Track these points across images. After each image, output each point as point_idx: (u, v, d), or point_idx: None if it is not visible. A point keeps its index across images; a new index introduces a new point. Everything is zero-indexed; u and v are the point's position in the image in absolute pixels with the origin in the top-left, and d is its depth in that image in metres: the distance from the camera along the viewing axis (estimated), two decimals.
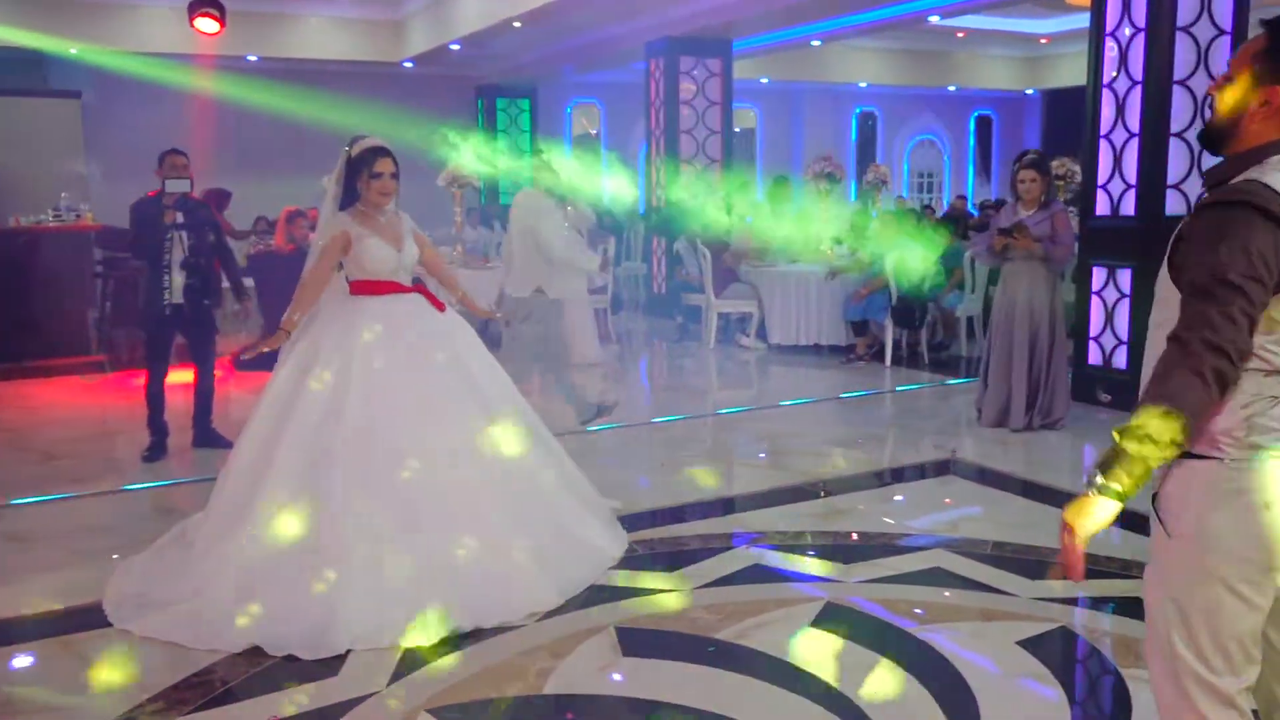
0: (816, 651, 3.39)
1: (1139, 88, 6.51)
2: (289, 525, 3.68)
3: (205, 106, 13.03)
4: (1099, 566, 4.07)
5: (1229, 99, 1.92)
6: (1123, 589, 3.81)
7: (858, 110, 18.86)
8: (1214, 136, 1.97)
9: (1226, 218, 1.82)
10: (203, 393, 5.95)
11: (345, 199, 4.07)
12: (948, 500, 5.15)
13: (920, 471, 5.64)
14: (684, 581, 4.00)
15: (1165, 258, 1.95)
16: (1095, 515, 1.85)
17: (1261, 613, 1.89)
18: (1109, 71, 6.68)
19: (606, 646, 3.45)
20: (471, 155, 9.32)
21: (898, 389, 7.86)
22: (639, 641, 3.49)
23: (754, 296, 9.50)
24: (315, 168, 12.05)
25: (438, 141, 9.73)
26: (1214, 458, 1.87)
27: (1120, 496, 1.83)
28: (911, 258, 7.78)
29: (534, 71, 14.81)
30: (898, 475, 5.59)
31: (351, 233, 3.99)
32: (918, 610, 3.68)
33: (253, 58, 13.00)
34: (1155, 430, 1.78)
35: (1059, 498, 5.25)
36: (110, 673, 3.32)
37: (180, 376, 6.09)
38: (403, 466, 3.78)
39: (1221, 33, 6.51)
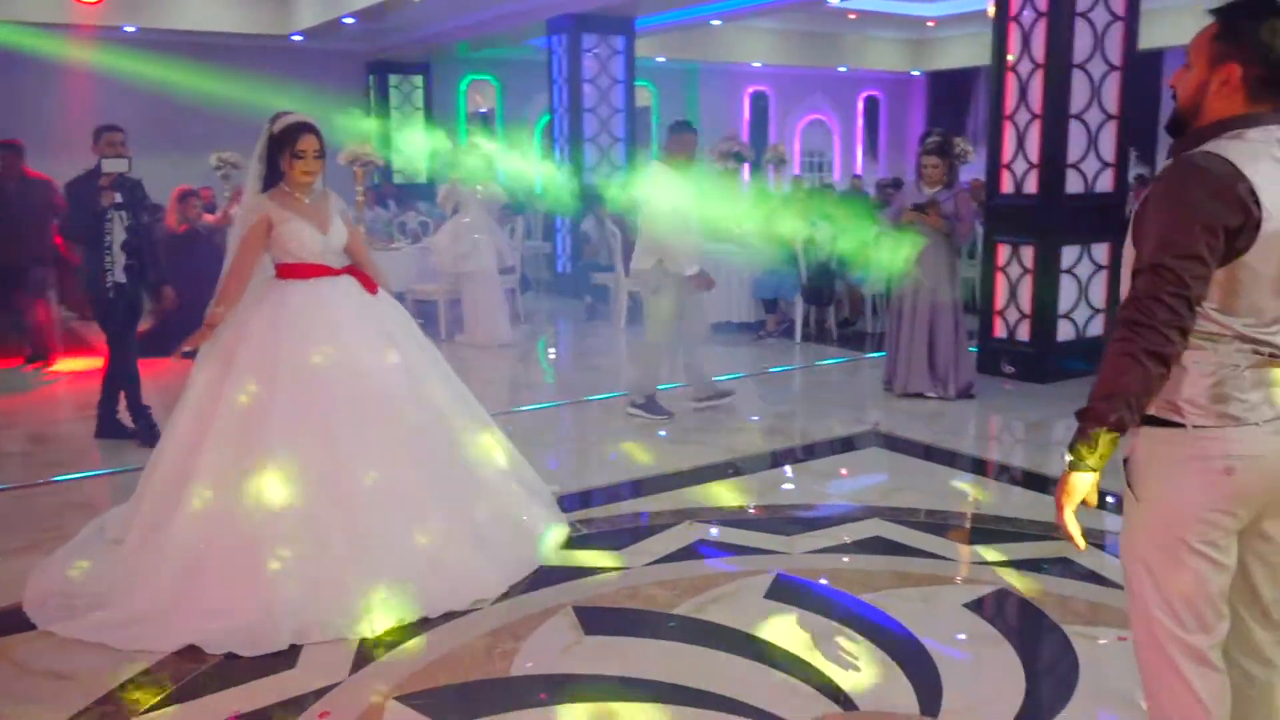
0: (774, 622, 3.45)
1: (1040, 70, 6.76)
2: (221, 522, 3.53)
3: (80, 79, 12.36)
4: (1024, 530, 4.26)
5: (1191, 84, 2.04)
6: (1054, 550, 3.99)
7: (750, 89, 19.07)
8: (1181, 121, 2.07)
9: (1177, 184, 1.92)
10: (111, 379, 5.68)
11: (269, 179, 3.89)
12: (875, 470, 5.29)
13: (844, 444, 5.77)
14: (633, 559, 4.02)
15: (1129, 230, 2.05)
16: (1074, 489, 1.97)
17: (1227, 571, 2.01)
18: (1012, 55, 6.92)
19: (567, 626, 3.45)
20: (377, 134, 9.11)
21: (815, 363, 8.03)
22: (599, 620, 3.49)
23: None
24: (200, 145, 11.63)
25: (338, 119, 9.46)
26: (1178, 424, 1.97)
27: (1090, 468, 1.95)
28: (849, 235, 7.92)
29: (428, 48, 14.50)
30: (824, 448, 5.71)
31: (273, 216, 3.83)
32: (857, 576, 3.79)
33: (130, 28, 12.36)
34: (1101, 411, 1.91)
35: (976, 465, 5.47)
36: (42, 679, 3.15)
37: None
38: (339, 458, 3.65)
39: (1116, 18, 6.81)
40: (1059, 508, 2.00)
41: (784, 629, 3.40)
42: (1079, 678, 3.07)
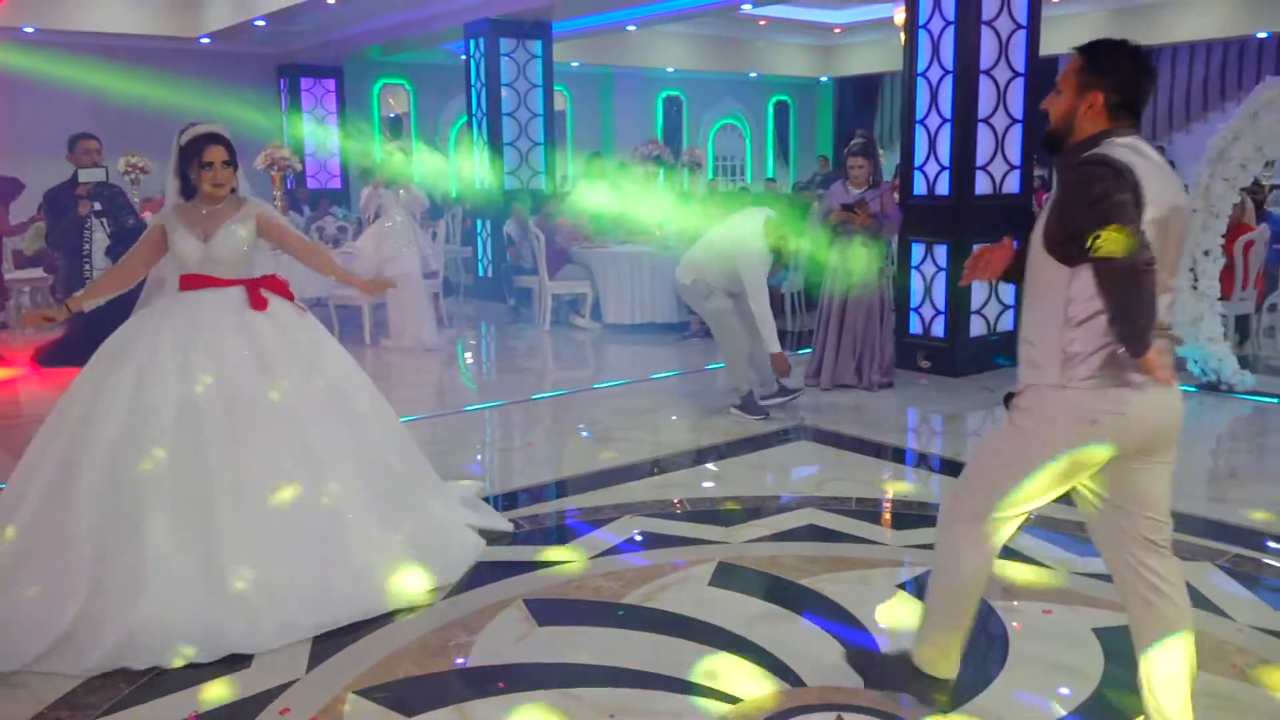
0: (721, 607, 3.58)
1: (950, 76, 7.05)
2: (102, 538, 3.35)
3: None
4: None
5: (1061, 108, 2.50)
6: None
7: (663, 94, 19.30)
8: (1055, 137, 2.52)
9: (1088, 175, 2.31)
10: None
11: (185, 191, 3.82)
12: (803, 462, 5.47)
13: (774, 437, 5.93)
14: (577, 552, 4.11)
15: (1039, 231, 2.45)
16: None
17: (1052, 495, 2.58)
18: (922, 61, 7.20)
19: (519, 618, 3.52)
20: (291, 138, 9.02)
21: None
22: (550, 611, 3.57)
23: (587, 277, 9.65)
24: (107, 150, 11.35)
25: (252, 121, 9.34)
26: (1062, 385, 2.44)
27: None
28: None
29: (339, 50, 14.36)
30: (755, 443, 5.86)
31: (168, 226, 3.77)
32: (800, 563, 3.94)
33: (29, 29, 11.98)
34: (1148, 341, 2.28)
35: (899, 454, 5.70)
36: None
37: None
38: (236, 476, 3.49)
39: (1019, 27, 7.14)
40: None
41: (730, 613, 3.53)
42: (1009, 649, 3.27)
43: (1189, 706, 2.52)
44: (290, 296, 3.97)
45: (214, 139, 3.76)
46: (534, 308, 10.10)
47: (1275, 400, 6.56)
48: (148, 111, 11.04)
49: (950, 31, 7.01)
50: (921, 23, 7.18)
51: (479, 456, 5.71)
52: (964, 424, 6.26)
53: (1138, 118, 2.46)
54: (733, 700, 2.96)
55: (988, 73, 7.06)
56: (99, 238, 5.22)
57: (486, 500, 4.62)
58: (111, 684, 3.08)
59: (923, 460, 5.68)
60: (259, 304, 3.81)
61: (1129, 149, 2.35)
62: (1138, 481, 2.51)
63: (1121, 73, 2.43)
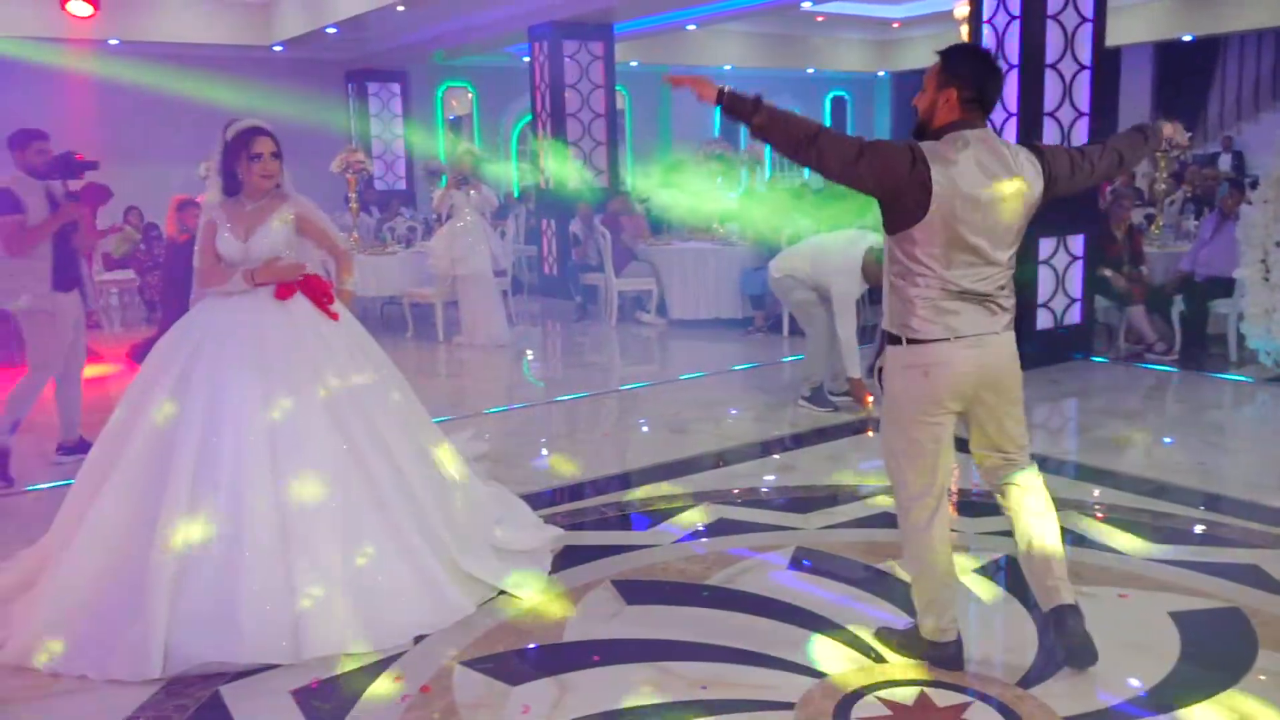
0: (801, 589, 3.72)
1: (1015, 70, 7.09)
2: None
3: (70, 91, 12.46)
4: None
5: (926, 102, 2.97)
6: None
7: None
8: (922, 127, 2.98)
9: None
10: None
11: (228, 186, 3.80)
12: (873, 454, 5.57)
13: (844, 428, 6.04)
14: (659, 537, 4.28)
15: None
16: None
17: (936, 446, 2.99)
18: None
19: (608, 598, 3.70)
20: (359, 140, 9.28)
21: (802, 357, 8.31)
22: (638, 591, 3.74)
23: (652, 274, 9.82)
24: (185, 155, 11.75)
25: (319, 124, 9.57)
26: (901, 341, 2.95)
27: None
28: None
29: (405, 55, 14.69)
30: (821, 434, 5.98)
31: (216, 221, 3.80)
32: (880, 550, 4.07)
33: (114, 41, 12.46)
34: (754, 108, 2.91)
35: (964, 445, 5.76)
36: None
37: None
38: (258, 484, 3.47)
39: (1085, 20, 7.17)
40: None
41: (811, 595, 3.67)
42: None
43: (1061, 564, 3.09)
44: (330, 298, 3.89)
45: (261, 131, 3.78)
46: (599, 304, 10.30)
47: None
48: (223, 119, 11.43)
49: (1015, 26, 7.05)
50: (986, 17, 7.23)
51: (562, 445, 5.89)
52: (1030, 416, 6.31)
53: (988, 111, 2.95)
54: (819, 674, 3.11)
55: (1053, 66, 7.09)
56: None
57: (558, 496, 4.78)
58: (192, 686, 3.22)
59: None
60: (284, 293, 3.78)
61: (978, 140, 2.87)
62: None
63: (972, 73, 2.90)
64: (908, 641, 3.21)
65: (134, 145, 13.25)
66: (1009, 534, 4.14)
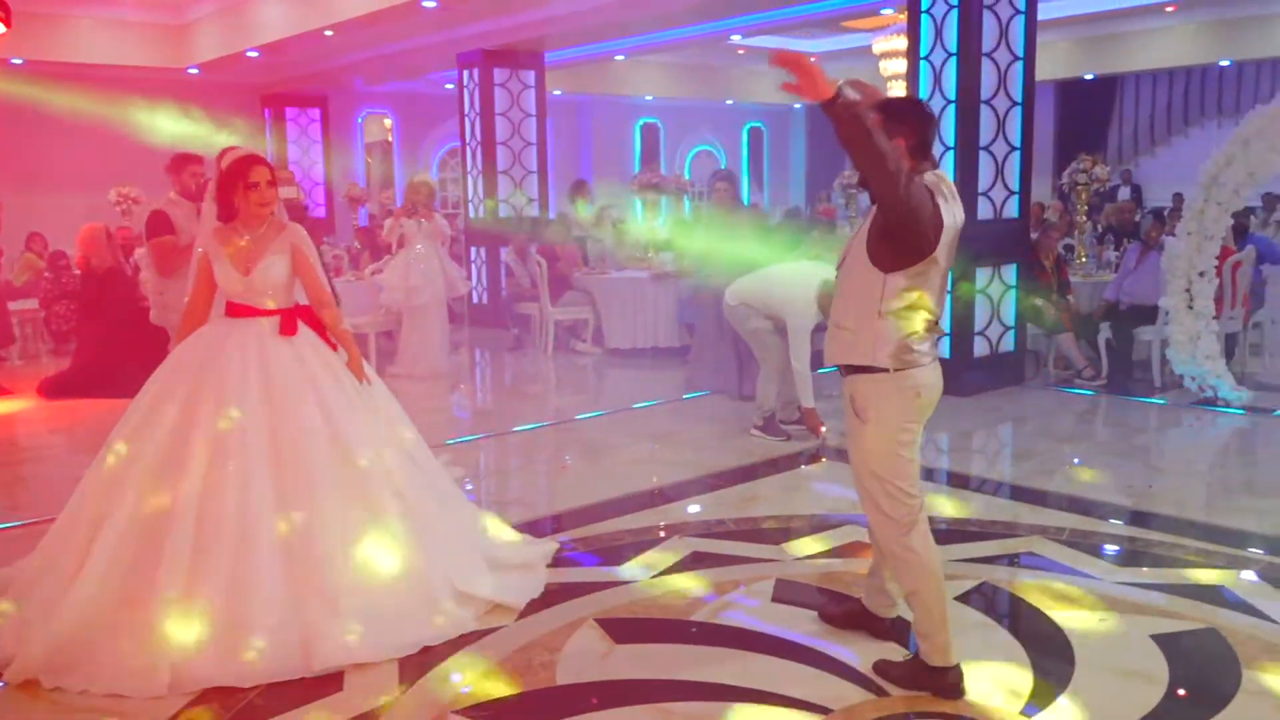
0: (790, 622, 3.69)
1: (952, 106, 7.28)
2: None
3: None
4: (995, 531, 4.62)
5: None
6: (1014, 546, 4.37)
7: (641, 121, 19.53)
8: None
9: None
10: None
11: (223, 215, 3.85)
12: (834, 480, 5.60)
13: (799, 458, 6.06)
14: (636, 573, 4.21)
15: (862, 240, 3.12)
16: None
17: (915, 455, 3.16)
18: (925, 91, 7.42)
19: (595, 637, 3.61)
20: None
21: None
22: (624, 630, 3.66)
23: (589, 303, 9.76)
24: (91, 180, 11.31)
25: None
26: (884, 370, 3.07)
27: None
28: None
29: (323, 80, 14.42)
30: (777, 464, 5.98)
31: (210, 253, 3.83)
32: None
33: (18, 61, 11.94)
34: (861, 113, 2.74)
35: (937, 475, 5.84)
36: (88, 715, 3.14)
37: None
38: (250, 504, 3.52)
39: (1016, 58, 7.40)
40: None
41: (801, 627, 3.64)
42: (1074, 657, 3.41)
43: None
44: (322, 329, 3.93)
45: (258, 160, 3.83)
46: (533, 333, 10.19)
47: (1277, 414, 6.82)
48: (134, 142, 11.04)
49: (952, 63, 7.24)
50: (923, 54, 7.41)
51: (520, 478, 5.78)
52: (971, 440, 6.45)
53: (930, 155, 3.13)
54: (824, 710, 3.08)
55: (988, 102, 7.30)
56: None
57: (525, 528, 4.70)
58: (208, 713, 3.13)
59: (930, 476, 5.74)
60: (289, 330, 3.82)
61: (939, 178, 3.05)
62: None
63: (913, 122, 3.08)
64: (909, 673, 3.21)
65: (37, 169, 12.71)
66: (988, 560, 4.21)
